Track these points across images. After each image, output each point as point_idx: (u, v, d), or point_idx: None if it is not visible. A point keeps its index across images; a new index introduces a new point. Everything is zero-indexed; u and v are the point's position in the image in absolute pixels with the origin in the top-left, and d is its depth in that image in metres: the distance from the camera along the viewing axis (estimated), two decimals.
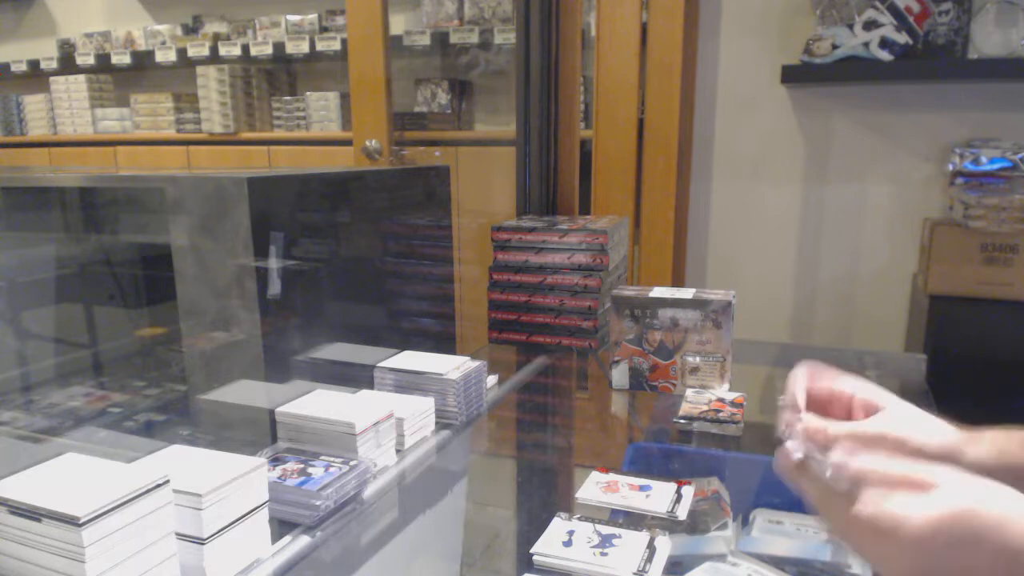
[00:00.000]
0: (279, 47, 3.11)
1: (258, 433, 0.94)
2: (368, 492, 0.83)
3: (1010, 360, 1.83)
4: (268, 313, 0.95)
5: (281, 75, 3.36)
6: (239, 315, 0.95)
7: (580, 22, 1.78)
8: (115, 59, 3.45)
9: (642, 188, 2.28)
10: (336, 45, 3.00)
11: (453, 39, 2.83)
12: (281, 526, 0.75)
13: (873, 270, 2.25)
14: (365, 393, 0.98)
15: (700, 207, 2.40)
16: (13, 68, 3.75)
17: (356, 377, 1.06)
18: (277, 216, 0.98)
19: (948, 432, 0.66)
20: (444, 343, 1.46)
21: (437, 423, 1.00)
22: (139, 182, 1.17)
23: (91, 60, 3.51)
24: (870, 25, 1.99)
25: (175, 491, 0.61)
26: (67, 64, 3.59)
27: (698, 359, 1.22)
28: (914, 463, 0.50)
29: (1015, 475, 0.58)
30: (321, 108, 3.09)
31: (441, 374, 1.02)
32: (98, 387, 1.32)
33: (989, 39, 1.99)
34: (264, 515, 0.70)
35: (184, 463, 0.67)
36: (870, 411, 0.69)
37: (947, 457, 0.63)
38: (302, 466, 0.81)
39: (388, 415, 0.89)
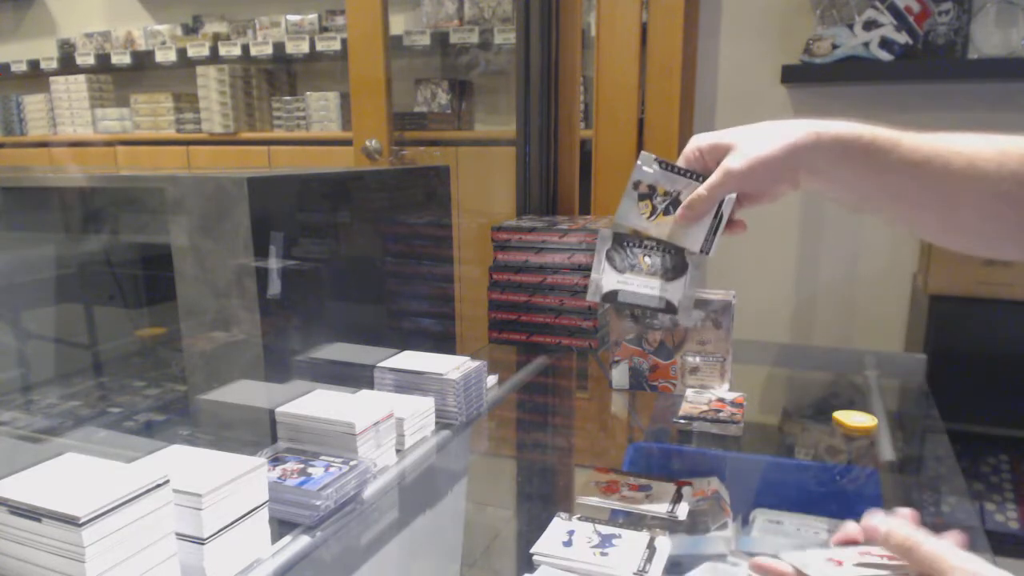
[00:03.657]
0: (279, 47, 3.11)
1: (258, 433, 0.94)
2: (368, 492, 0.83)
3: (1010, 360, 1.83)
4: (268, 313, 0.95)
5: (281, 75, 3.36)
6: (239, 315, 0.95)
7: (580, 22, 1.78)
8: (115, 59, 3.45)
9: None
10: (336, 45, 3.00)
11: (453, 39, 2.84)
12: (281, 526, 0.75)
13: (873, 270, 2.24)
14: (365, 393, 0.98)
15: None
16: (13, 68, 3.75)
17: (356, 377, 1.06)
18: (277, 216, 0.98)
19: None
20: (444, 343, 1.46)
21: (437, 423, 1.00)
22: (139, 182, 1.17)
23: (91, 60, 3.51)
24: (870, 25, 1.99)
25: (175, 491, 0.61)
26: (67, 64, 3.59)
27: (698, 359, 1.22)
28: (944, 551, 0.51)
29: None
30: (321, 108, 3.09)
31: (441, 374, 1.02)
32: (98, 387, 1.32)
33: (989, 39, 1.99)
34: (264, 515, 0.69)
35: (184, 463, 0.67)
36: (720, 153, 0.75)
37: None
38: (302, 466, 0.81)
39: (388, 415, 0.89)
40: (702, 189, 0.76)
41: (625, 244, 0.83)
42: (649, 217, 0.80)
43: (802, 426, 1.33)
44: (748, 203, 0.80)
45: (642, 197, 0.80)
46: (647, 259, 0.82)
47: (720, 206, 0.77)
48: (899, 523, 0.53)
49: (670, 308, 0.78)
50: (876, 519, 0.55)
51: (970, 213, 0.65)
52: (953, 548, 0.50)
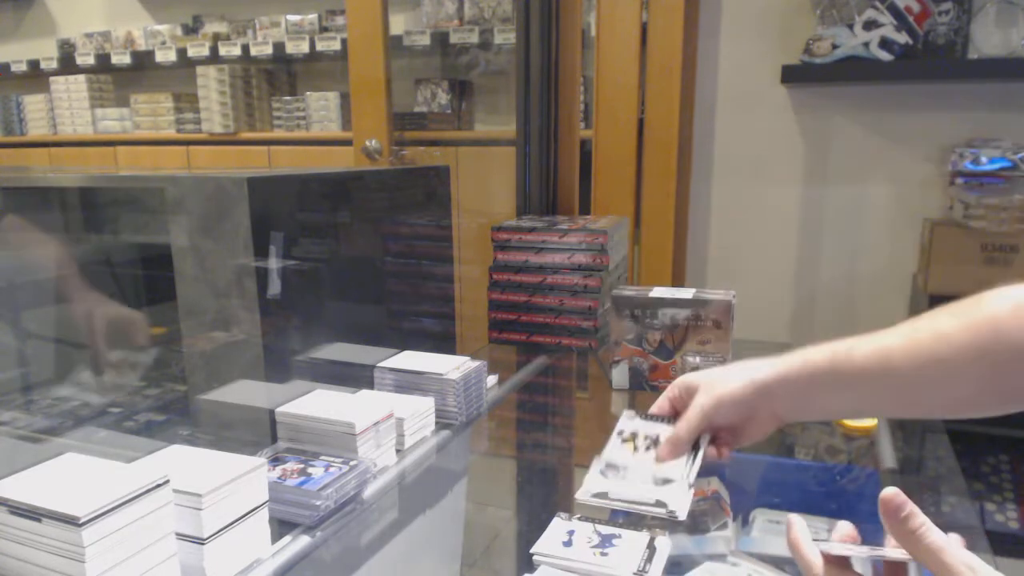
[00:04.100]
0: (279, 47, 3.11)
1: (258, 433, 0.94)
2: (368, 492, 0.83)
3: None
4: (268, 313, 0.95)
5: (281, 75, 3.36)
6: (239, 315, 0.95)
7: (580, 22, 1.78)
8: (115, 59, 3.45)
9: (642, 188, 2.28)
10: (336, 45, 3.00)
11: (453, 39, 2.84)
12: (281, 526, 0.75)
13: (873, 270, 2.25)
14: (365, 393, 0.98)
15: (700, 207, 2.40)
16: (13, 68, 3.75)
17: (356, 377, 1.06)
18: (277, 216, 0.98)
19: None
20: (444, 343, 1.46)
21: (437, 423, 1.00)
22: (139, 182, 1.17)
23: (91, 60, 3.51)
24: (870, 25, 1.99)
25: (175, 491, 0.61)
26: (67, 64, 3.59)
27: (698, 359, 1.22)
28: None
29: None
30: (321, 108, 3.09)
31: (441, 374, 1.02)
32: (98, 387, 1.32)
33: (989, 39, 1.99)
34: (264, 515, 0.70)
35: (184, 463, 0.67)
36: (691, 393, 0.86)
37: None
38: (302, 466, 0.81)
39: (388, 415, 0.89)
40: (679, 429, 0.85)
41: (619, 464, 0.91)
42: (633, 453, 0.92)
43: (802, 426, 1.33)
44: (731, 438, 0.87)
45: (625, 440, 0.92)
46: (638, 459, 0.89)
47: (698, 442, 0.86)
48: (918, 511, 0.53)
49: (660, 504, 0.83)
50: (902, 497, 0.54)
51: (962, 385, 0.69)
52: (958, 546, 0.51)
